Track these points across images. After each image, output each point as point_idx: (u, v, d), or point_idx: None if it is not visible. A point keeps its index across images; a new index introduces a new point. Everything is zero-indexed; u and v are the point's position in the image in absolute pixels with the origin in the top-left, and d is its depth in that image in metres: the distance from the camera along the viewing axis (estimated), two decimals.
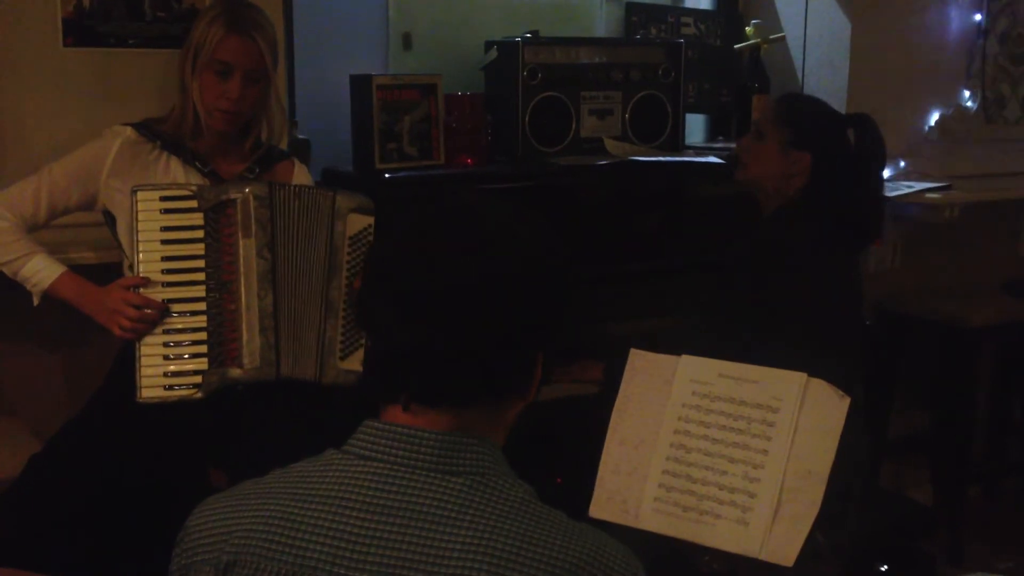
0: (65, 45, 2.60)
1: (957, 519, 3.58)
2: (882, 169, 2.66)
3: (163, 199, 2.26)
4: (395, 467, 1.18)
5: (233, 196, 2.29)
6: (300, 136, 2.84)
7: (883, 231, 2.80)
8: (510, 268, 1.20)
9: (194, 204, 2.27)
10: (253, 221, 2.29)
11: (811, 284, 2.45)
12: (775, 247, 2.51)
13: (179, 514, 1.26)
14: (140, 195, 2.25)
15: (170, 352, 2.25)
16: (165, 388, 2.24)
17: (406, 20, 3.15)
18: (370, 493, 1.16)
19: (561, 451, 2.62)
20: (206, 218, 2.28)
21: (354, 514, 1.15)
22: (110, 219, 2.39)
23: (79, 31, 2.60)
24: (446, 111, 2.90)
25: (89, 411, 2.35)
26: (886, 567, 2.57)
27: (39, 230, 2.37)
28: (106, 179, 2.36)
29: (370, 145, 2.81)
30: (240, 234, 2.29)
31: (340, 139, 2.98)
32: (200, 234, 2.28)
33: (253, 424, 2.29)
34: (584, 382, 2.74)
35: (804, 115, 2.59)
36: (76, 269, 2.36)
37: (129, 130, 2.38)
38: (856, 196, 2.58)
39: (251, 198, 2.29)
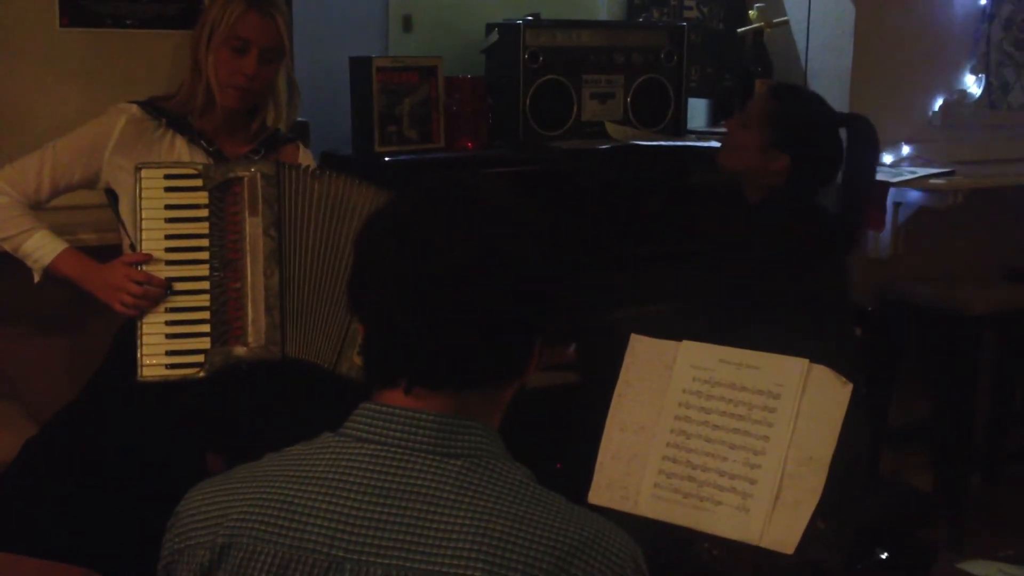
0: (62, 26, 2.60)
1: (958, 506, 3.57)
2: (873, 171, 2.61)
3: (167, 177, 2.25)
4: (392, 449, 1.17)
5: (240, 174, 2.28)
6: (299, 119, 2.82)
7: (884, 218, 2.78)
8: (510, 248, 1.18)
9: (199, 183, 2.26)
10: (260, 200, 2.28)
11: (797, 277, 2.42)
12: (759, 242, 2.48)
13: (175, 498, 1.25)
14: (144, 172, 2.24)
15: (172, 330, 2.24)
16: (167, 367, 2.22)
17: (406, 2, 3.14)
18: (367, 475, 1.15)
19: (561, 437, 2.60)
20: (211, 196, 2.27)
21: (351, 496, 1.14)
22: (112, 197, 2.38)
23: (76, 11, 2.59)
24: (446, 94, 2.89)
25: (86, 395, 2.34)
26: (887, 555, 2.56)
27: (41, 207, 2.36)
28: (110, 156, 2.35)
29: (370, 128, 2.80)
30: (247, 212, 2.28)
31: (339, 122, 2.96)
32: (204, 212, 2.26)
33: (252, 409, 2.28)
34: (559, 365, 2.69)
35: (793, 117, 2.52)
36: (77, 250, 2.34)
37: (134, 107, 2.38)
38: (844, 200, 2.54)
39: (258, 177, 2.28)
